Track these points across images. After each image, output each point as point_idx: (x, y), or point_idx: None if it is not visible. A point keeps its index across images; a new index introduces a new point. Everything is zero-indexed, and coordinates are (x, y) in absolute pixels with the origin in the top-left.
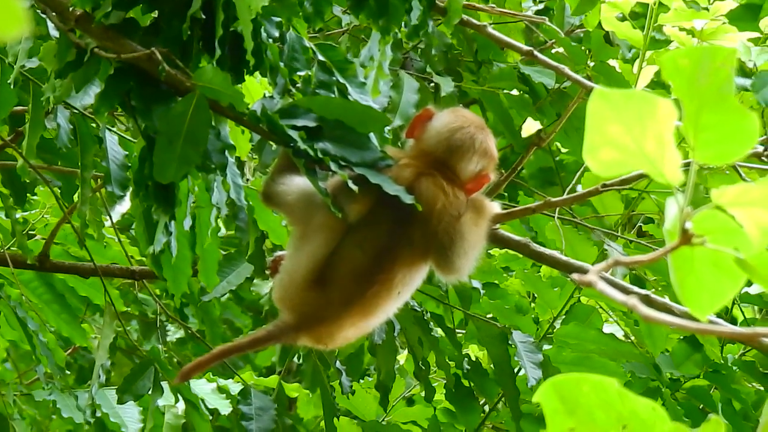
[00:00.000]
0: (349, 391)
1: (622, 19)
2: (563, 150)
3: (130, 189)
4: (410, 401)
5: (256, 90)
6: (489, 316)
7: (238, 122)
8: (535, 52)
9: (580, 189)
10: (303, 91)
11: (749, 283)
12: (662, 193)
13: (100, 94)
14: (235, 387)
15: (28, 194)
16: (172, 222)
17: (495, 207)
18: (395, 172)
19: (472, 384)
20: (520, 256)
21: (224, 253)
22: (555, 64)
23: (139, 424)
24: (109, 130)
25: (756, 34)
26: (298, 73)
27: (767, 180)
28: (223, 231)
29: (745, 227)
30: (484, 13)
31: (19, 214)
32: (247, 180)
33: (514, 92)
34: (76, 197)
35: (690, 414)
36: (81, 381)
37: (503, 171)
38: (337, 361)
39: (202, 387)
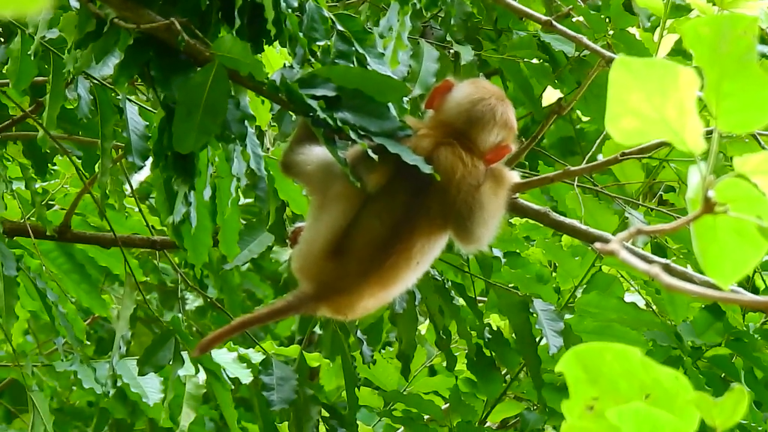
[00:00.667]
0: (370, 361)
1: None
2: (584, 119)
3: (151, 159)
4: (432, 371)
5: (275, 60)
6: (510, 285)
7: (258, 92)
8: (554, 22)
9: (600, 158)
10: (322, 61)
11: None
12: (683, 161)
13: (119, 64)
14: (256, 356)
15: (48, 165)
16: (192, 192)
17: (514, 176)
18: (414, 142)
19: (493, 353)
20: (541, 225)
21: (245, 222)
22: (573, 34)
23: (160, 395)
24: (130, 100)
25: None
26: (318, 43)
27: None
28: (242, 200)
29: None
30: None
31: (38, 185)
32: (268, 149)
33: (534, 61)
34: (96, 167)
35: (711, 382)
36: (100, 352)
37: (523, 140)
38: (358, 331)
39: (223, 356)
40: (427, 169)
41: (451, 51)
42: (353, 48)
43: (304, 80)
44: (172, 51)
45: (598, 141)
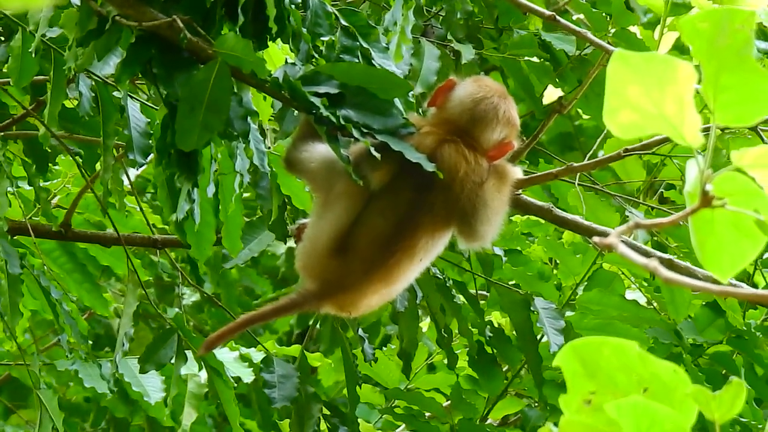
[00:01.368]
0: (371, 359)
1: None
2: (584, 117)
3: (152, 156)
4: (432, 368)
5: (277, 57)
6: (511, 282)
7: (260, 89)
8: (557, 17)
9: (601, 154)
10: (326, 56)
11: None
12: (685, 158)
13: (121, 62)
14: (257, 355)
15: (49, 164)
16: (195, 189)
17: (517, 172)
18: (417, 140)
19: (494, 351)
20: (542, 222)
21: (246, 220)
22: (576, 28)
23: (162, 393)
24: (131, 97)
25: None
26: (322, 39)
27: None
28: (245, 196)
29: (765, 189)
30: None
31: (42, 185)
32: (269, 147)
33: (535, 59)
34: (98, 165)
35: (712, 379)
36: (97, 348)
37: (524, 138)
38: (360, 329)
39: (225, 355)
40: (430, 166)
41: (452, 49)
42: (358, 43)
43: (306, 77)
44: (174, 48)
45: (599, 138)
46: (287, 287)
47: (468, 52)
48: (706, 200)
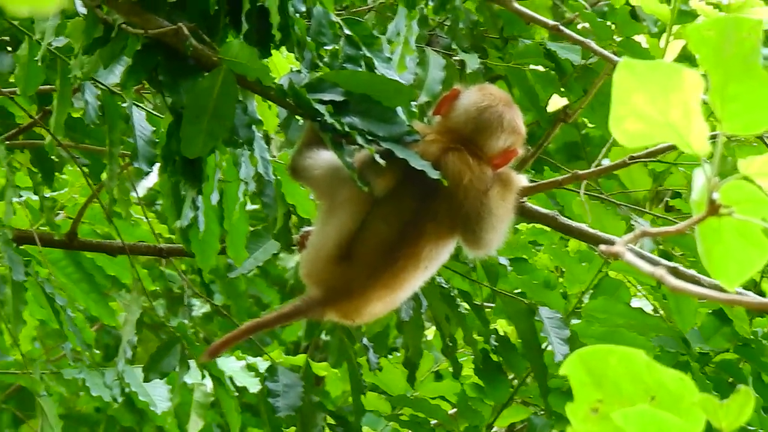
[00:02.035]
0: (376, 368)
1: None
2: (590, 125)
3: (158, 164)
4: (438, 376)
5: (282, 64)
6: (517, 291)
7: (265, 97)
8: (561, 27)
9: (606, 163)
10: (330, 65)
11: None
12: (691, 165)
13: (127, 69)
14: (263, 365)
15: (55, 173)
16: (200, 197)
17: (522, 180)
18: (422, 147)
19: (500, 359)
20: (548, 230)
21: (251, 229)
22: (581, 38)
23: (168, 403)
24: (137, 105)
25: None
26: (325, 48)
27: None
28: (249, 206)
29: None
30: None
31: (48, 194)
32: (274, 156)
33: (540, 68)
34: (103, 175)
35: (719, 388)
36: (107, 358)
37: (530, 147)
38: (365, 339)
39: (231, 365)
40: (434, 174)
41: (457, 59)
42: (361, 52)
43: (311, 85)
44: (179, 56)
45: (605, 148)
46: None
47: (473, 62)
48: (713, 209)
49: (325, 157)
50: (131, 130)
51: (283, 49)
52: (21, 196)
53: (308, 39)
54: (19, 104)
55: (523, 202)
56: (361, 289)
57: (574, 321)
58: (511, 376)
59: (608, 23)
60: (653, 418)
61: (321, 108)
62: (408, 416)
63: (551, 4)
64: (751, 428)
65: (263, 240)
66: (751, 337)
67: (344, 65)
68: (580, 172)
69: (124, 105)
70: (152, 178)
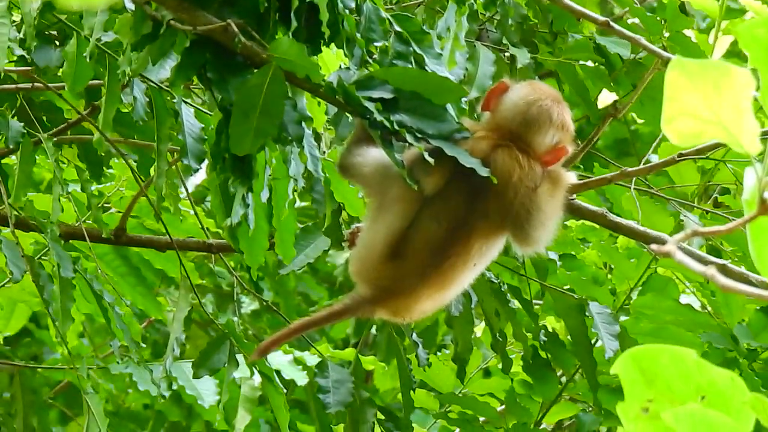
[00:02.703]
0: (425, 364)
1: None
2: (639, 121)
3: (206, 161)
4: (487, 373)
5: (331, 61)
6: (566, 287)
7: (315, 94)
8: (611, 22)
9: (655, 159)
10: (380, 62)
11: None
12: (740, 162)
13: (176, 66)
14: (311, 359)
15: (103, 168)
16: (250, 194)
17: (571, 177)
18: (471, 145)
19: (549, 355)
20: (597, 227)
21: (301, 226)
22: (631, 34)
23: (216, 397)
24: (185, 102)
25: None
26: (375, 44)
27: None
28: (298, 203)
29: None
30: None
31: (94, 187)
32: (324, 152)
33: (590, 63)
34: (152, 170)
35: (767, 384)
36: (156, 355)
37: (579, 143)
38: (414, 334)
39: (279, 359)
40: (484, 171)
41: (507, 54)
42: (411, 48)
43: (360, 82)
44: (228, 53)
45: (654, 143)
46: (343, 295)
47: (523, 57)
48: (765, 208)
49: (374, 155)
50: (180, 127)
51: (332, 45)
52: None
53: (358, 36)
54: (67, 100)
55: (572, 199)
56: (412, 288)
57: (623, 318)
58: (559, 373)
59: (657, 18)
60: (703, 417)
61: (370, 105)
62: (456, 413)
63: (599, 0)
64: None
65: (313, 237)
66: None
67: (394, 62)
68: (629, 169)
69: (174, 100)
70: (201, 175)
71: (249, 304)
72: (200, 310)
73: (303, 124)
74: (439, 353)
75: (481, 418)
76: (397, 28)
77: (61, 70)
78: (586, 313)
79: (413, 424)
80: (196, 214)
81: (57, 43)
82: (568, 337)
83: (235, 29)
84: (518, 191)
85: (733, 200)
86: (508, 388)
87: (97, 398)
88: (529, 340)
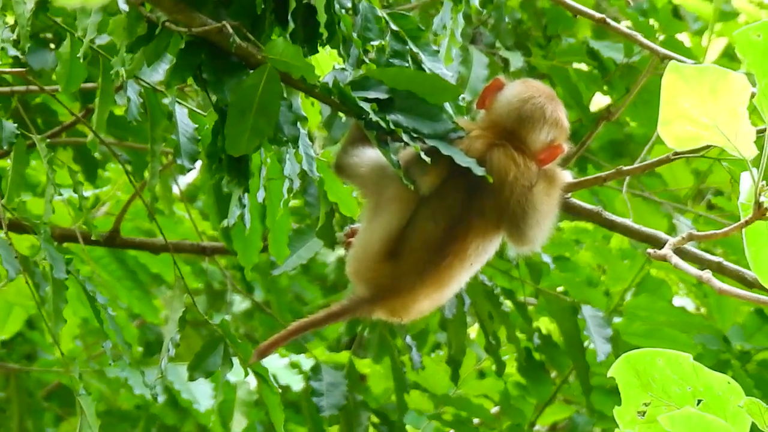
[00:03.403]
0: (419, 367)
1: None
2: (632, 124)
3: (199, 162)
4: (481, 374)
5: (325, 62)
6: (560, 289)
7: (310, 94)
8: (608, 20)
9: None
10: (376, 60)
11: None
12: (735, 161)
13: (171, 67)
14: (307, 362)
15: (98, 170)
16: (246, 194)
17: (567, 176)
18: (467, 144)
19: (543, 357)
20: (590, 228)
21: (295, 227)
22: (628, 31)
23: (211, 400)
24: (179, 103)
25: None
26: (372, 43)
27: None
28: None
29: None
30: None
31: (90, 192)
32: (316, 153)
33: (583, 67)
34: (146, 172)
35: (760, 385)
36: (148, 355)
37: (573, 145)
38: (408, 337)
39: (275, 363)
40: (479, 171)
41: (501, 57)
42: (408, 46)
43: (356, 82)
44: (224, 54)
45: (648, 146)
46: (336, 294)
47: (516, 60)
48: (761, 212)
49: (370, 155)
50: (174, 128)
51: (326, 45)
52: (62, 194)
53: (354, 36)
54: (62, 102)
55: (568, 198)
56: (409, 287)
57: (616, 319)
58: (553, 374)
59: (650, 21)
60: (700, 420)
61: (366, 106)
62: (451, 415)
63: (594, 3)
64: None
65: (306, 237)
66: None
67: (391, 60)
68: (624, 167)
69: (167, 102)
70: (192, 173)
71: (240, 303)
72: (194, 311)
73: (298, 124)
74: (432, 354)
75: (476, 420)
76: (394, 27)
77: (55, 71)
78: (579, 316)
79: (407, 426)
80: (191, 217)
81: (52, 46)
82: (562, 339)
83: (231, 30)
84: (514, 190)
85: (727, 202)
86: (502, 390)
87: (89, 399)
88: (523, 342)
